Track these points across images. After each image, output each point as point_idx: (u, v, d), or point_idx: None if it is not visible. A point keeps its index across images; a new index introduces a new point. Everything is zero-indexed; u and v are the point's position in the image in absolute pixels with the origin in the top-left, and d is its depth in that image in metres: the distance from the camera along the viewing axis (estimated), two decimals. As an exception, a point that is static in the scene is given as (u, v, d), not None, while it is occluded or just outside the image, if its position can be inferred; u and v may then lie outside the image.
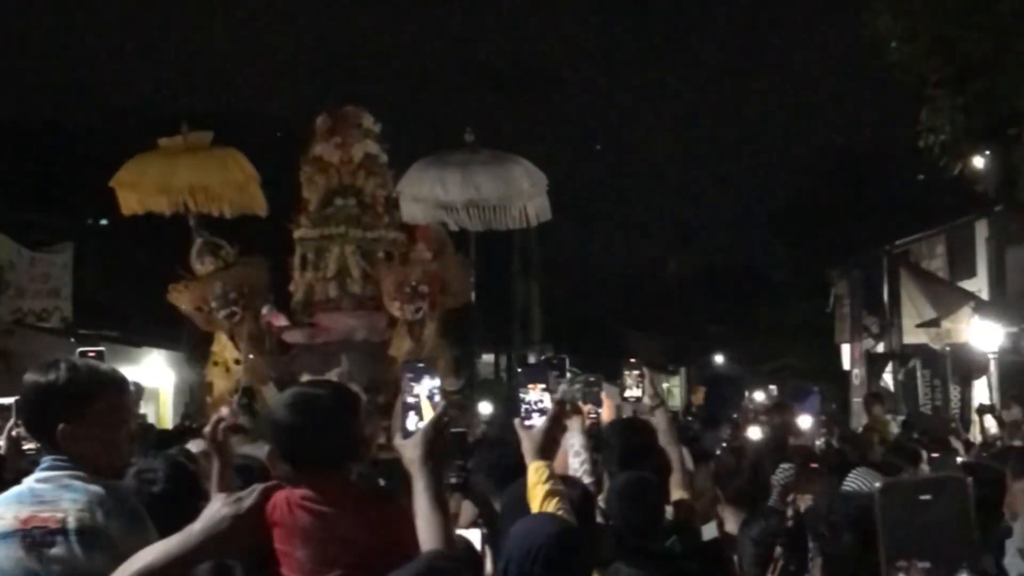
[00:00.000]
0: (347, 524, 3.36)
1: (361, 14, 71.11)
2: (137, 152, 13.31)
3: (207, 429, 4.26)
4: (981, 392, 19.25)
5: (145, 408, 22.32)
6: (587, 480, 5.32)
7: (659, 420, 6.18)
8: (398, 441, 3.46)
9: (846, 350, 29.50)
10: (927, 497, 2.24)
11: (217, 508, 3.29)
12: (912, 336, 22.57)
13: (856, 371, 27.30)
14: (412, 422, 3.44)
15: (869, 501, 3.30)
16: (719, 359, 47.26)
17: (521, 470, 5.22)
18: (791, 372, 29.88)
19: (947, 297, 21.24)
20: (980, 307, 20.20)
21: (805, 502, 5.16)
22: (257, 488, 3.37)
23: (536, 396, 3.98)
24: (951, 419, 16.96)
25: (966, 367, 19.64)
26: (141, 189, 12.86)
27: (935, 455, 9.29)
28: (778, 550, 4.34)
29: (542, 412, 3.97)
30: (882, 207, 35.38)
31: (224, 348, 12.40)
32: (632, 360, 6.65)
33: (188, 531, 3.24)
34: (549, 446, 3.86)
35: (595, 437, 5.61)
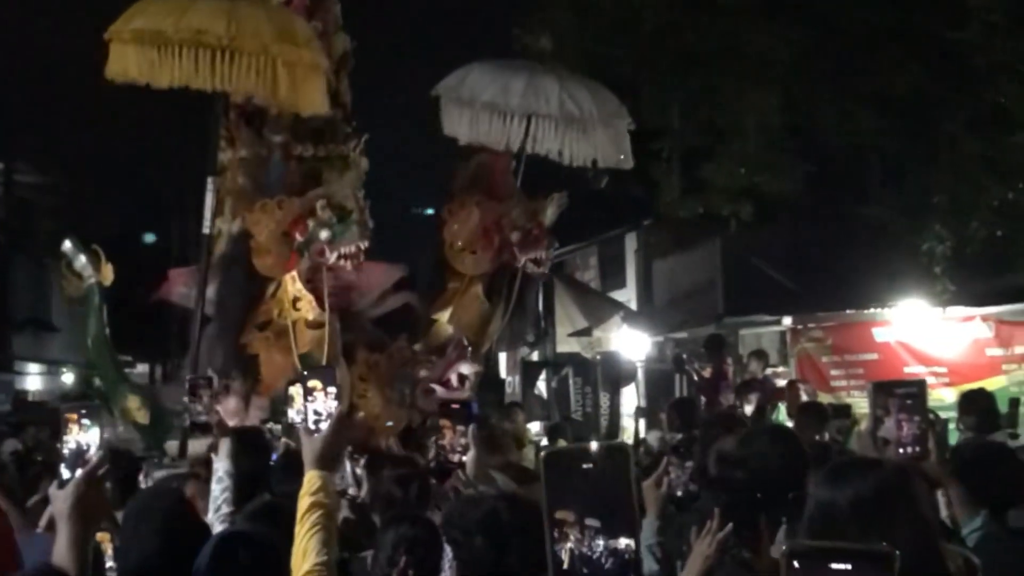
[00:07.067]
0: None
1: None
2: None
3: None
4: (629, 398, 19.98)
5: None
6: (226, 509, 5.10)
7: None
8: (52, 491, 3.25)
9: (503, 358, 30.08)
10: (588, 466, 2.19)
11: None
12: (565, 345, 23.25)
13: (510, 379, 27.86)
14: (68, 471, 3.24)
15: (497, 504, 3.27)
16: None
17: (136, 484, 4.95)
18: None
19: (598, 307, 21.98)
20: (629, 317, 21.02)
21: (447, 437, 5.31)
22: None
23: (321, 401, 3.54)
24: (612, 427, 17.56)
25: (615, 374, 20.36)
26: (162, 39, 8.14)
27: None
28: (404, 558, 4.35)
29: (328, 418, 3.52)
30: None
31: (289, 303, 8.53)
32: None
33: None
34: (330, 456, 3.49)
35: None
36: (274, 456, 6.27)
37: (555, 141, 9.63)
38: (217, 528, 4.89)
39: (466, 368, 9.21)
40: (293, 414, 5.64)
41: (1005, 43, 15.18)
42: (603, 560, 2.14)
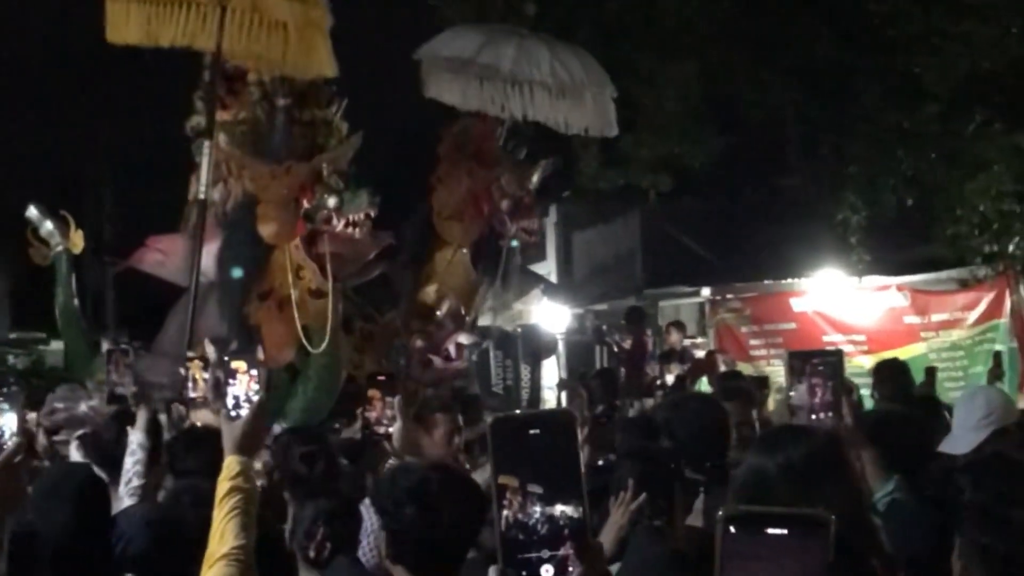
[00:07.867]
0: None
1: None
2: None
3: None
4: (550, 370, 20.01)
5: None
6: (137, 482, 5.01)
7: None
8: None
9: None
10: (536, 431, 2.12)
11: None
12: (486, 318, 23.18)
13: (432, 353, 27.82)
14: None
15: (428, 473, 3.20)
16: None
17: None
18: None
19: (519, 280, 21.93)
20: (549, 289, 21.00)
21: (376, 408, 5.27)
22: None
23: (243, 384, 3.32)
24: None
25: (536, 347, 20.35)
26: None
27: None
28: (321, 531, 4.29)
29: (248, 403, 3.32)
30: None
31: (292, 272, 8.18)
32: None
33: None
34: (250, 441, 3.36)
35: None
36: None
37: (550, 108, 9.45)
38: (127, 502, 4.78)
39: (464, 338, 8.99)
40: (203, 389, 5.49)
41: (920, 15, 15.32)
42: (539, 527, 2.08)
